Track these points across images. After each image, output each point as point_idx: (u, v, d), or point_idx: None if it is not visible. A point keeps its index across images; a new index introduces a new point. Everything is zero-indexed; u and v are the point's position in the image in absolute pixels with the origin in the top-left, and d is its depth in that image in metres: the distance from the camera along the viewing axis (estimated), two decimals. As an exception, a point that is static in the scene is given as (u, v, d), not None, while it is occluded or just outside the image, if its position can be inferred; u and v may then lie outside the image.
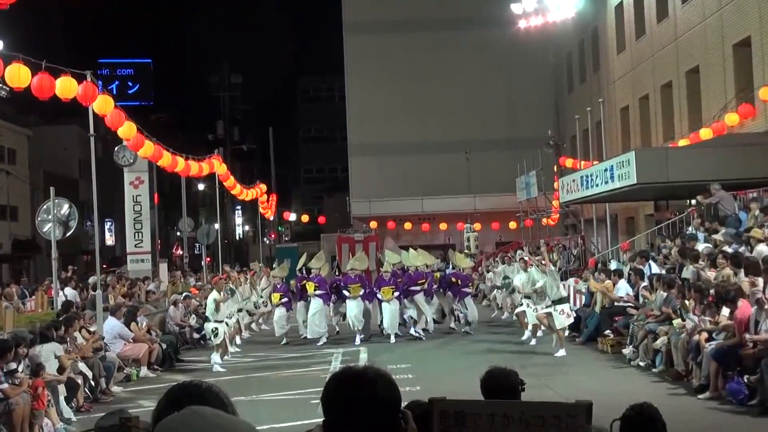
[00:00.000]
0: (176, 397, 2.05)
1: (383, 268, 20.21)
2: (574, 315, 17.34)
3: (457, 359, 16.37)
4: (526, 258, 19.47)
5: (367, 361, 16.25)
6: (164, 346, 17.15)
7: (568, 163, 34.88)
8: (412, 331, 20.12)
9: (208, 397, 2.04)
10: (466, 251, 32.42)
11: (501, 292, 24.29)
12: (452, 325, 21.15)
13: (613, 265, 20.12)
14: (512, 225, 41.31)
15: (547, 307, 16.66)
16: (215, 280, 17.58)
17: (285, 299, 20.58)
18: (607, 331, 16.60)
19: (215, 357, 16.25)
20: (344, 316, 20.40)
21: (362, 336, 19.68)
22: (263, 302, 22.60)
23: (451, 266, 22.53)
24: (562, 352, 15.94)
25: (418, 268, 20.66)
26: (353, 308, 19.69)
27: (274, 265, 21.88)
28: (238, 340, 19.68)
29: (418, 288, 20.23)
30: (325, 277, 20.71)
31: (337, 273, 21.06)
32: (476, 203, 42.42)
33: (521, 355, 16.44)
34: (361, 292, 19.79)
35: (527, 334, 18.17)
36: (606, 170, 21.93)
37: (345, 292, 19.84)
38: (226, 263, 47.11)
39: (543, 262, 17.48)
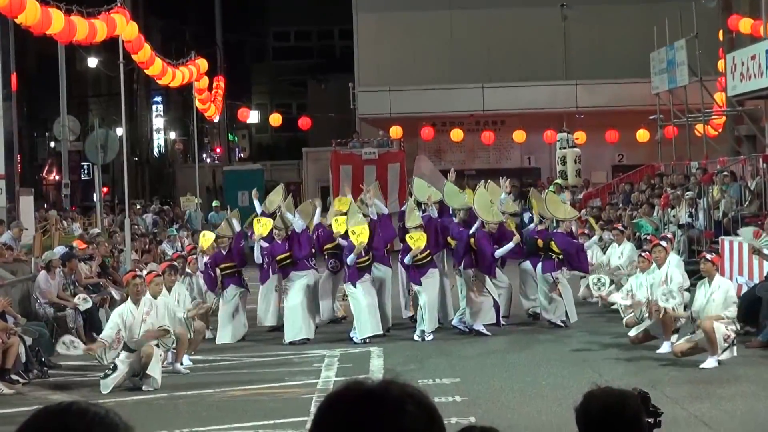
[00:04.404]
0: None
1: (408, 222, 20.25)
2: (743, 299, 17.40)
3: (536, 371, 16.52)
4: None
5: (385, 373, 16.36)
6: (29, 341, 17.27)
7: (744, 26, 34.53)
8: (457, 321, 20.45)
9: None
10: (558, 181, 32.38)
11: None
12: (535, 308, 21.53)
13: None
14: (642, 135, 41.13)
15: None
16: (128, 277, 17.42)
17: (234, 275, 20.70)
18: (805, 325, 16.71)
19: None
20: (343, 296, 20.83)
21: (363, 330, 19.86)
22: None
23: (531, 216, 22.50)
24: (712, 362, 16.03)
25: (505, 224, 20.79)
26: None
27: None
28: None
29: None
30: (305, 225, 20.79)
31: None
32: (578, 96, 42.23)
33: (650, 365, 16.55)
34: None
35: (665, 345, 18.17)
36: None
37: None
38: (136, 198, 47.43)
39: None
